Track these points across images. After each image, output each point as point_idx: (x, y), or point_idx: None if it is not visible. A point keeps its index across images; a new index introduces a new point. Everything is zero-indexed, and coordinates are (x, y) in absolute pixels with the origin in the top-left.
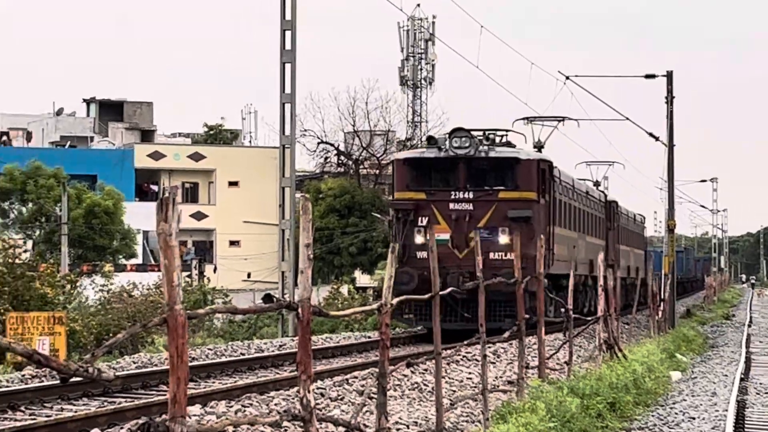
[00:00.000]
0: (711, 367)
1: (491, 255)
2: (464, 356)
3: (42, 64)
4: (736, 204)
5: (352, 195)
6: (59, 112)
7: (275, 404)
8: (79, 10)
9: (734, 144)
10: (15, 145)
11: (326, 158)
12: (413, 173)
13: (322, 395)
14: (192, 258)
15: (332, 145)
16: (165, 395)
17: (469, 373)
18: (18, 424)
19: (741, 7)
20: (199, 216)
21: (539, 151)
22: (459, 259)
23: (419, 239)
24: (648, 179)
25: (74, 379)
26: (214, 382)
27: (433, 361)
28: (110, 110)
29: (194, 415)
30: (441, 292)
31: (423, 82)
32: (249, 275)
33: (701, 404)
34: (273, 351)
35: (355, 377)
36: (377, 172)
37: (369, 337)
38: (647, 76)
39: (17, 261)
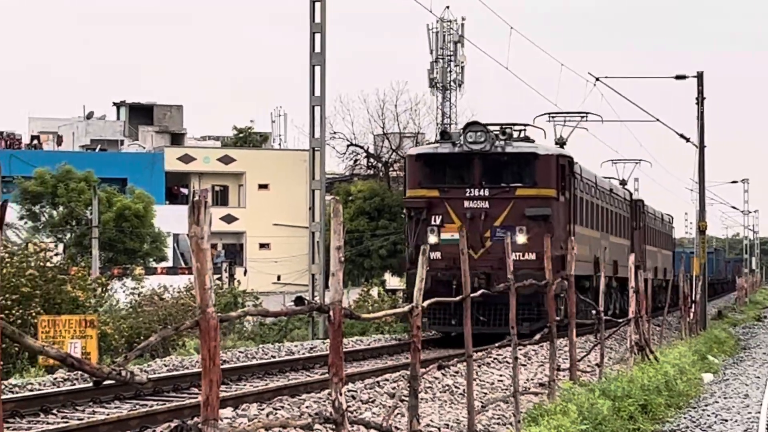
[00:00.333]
0: (743, 368)
1: None
2: (495, 359)
3: (72, 67)
4: None
5: (381, 197)
6: (89, 116)
7: (306, 407)
8: (109, 14)
9: (766, 144)
10: (45, 149)
11: (356, 161)
12: (426, 170)
13: (354, 398)
14: (222, 261)
15: (362, 147)
16: (196, 398)
17: (500, 375)
18: (50, 427)
19: None
20: (229, 219)
21: (561, 147)
22: (474, 260)
23: (432, 239)
24: (679, 180)
25: (106, 382)
26: (245, 385)
27: (464, 363)
28: (140, 114)
29: (226, 418)
30: (472, 294)
31: (452, 84)
32: (279, 278)
33: (733, 406)
34: (304, 353)
35: (386, 380)
36: None
37: (399, 340)
38: (678, 77)
39: (48, 264)
